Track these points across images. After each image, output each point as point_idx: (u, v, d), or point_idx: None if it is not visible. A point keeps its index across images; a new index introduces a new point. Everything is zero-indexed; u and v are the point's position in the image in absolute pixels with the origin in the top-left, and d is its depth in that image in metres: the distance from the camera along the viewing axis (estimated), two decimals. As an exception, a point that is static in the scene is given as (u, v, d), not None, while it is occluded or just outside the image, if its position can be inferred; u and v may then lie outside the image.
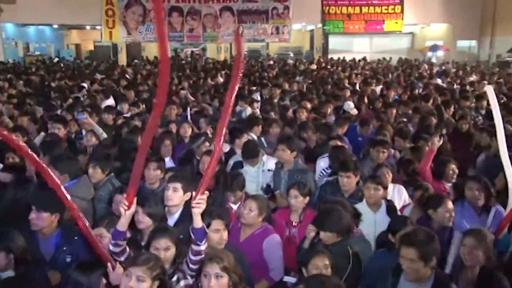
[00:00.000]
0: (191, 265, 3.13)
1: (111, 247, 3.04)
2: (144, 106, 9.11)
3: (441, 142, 5.29)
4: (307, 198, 4.36)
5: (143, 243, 3.55)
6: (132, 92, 11.01)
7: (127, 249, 3.09)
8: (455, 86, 13.68)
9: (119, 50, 30.01)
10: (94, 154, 5.12)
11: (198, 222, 3.02)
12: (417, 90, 12.40)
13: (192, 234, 3.05)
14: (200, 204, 2.97)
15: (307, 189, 4.39)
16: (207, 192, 3.02)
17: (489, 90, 4.30)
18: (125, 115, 8.66)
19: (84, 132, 6.83)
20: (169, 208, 3.98)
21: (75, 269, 3.13)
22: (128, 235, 3.11)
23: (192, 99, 10.76)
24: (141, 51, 32.92)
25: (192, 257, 3.10)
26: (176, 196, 3.96)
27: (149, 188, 4.78)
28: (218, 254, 2.99)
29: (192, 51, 31.05)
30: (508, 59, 25.04)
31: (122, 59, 28.93)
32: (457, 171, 5.26)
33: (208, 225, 3.46)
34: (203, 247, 3.06)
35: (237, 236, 4.00)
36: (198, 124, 7.47)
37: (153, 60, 27.63)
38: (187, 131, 6.85)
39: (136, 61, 27.52)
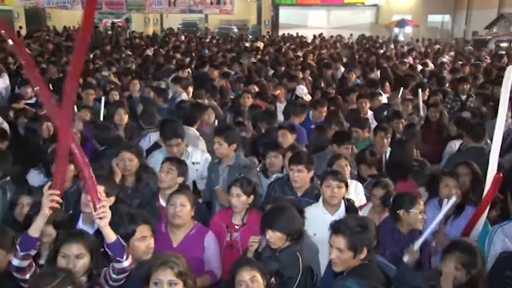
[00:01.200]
0: (111, 282, 3.12)
1: (16, 262, 2.95)
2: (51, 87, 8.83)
3: None
4: (251, 197, 4.42)
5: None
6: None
7: (34, 264, 3.03)
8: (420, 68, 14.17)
9: (15, 16, 28.70)
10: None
11: (110, 236, 3.01)
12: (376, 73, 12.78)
13: (108, 251, 3.04)
14: (104, 214, 2.96)
15: (251, 187, 4.44)
16: (105, 198, 3.02)
17: (509, 71, 4.38)
18: (28, 101, 8.40)
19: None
20: (87, 215, 3.89)
21: None
22: (38, 243, 3.04)
23: (115, 81, 10.60)
24: (46, 19, 31.77)
25: (114, 276, 3.08)
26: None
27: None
28: (170, 258, 3.00)
29: (113, 23, 30.37)
30: (486, 36, 26.07)
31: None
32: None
33: (133, 233, 3.46)
34: (126, 262, 3.04)
35: (167, 242, 4.01)
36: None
37: (62, 31, 26.76)
38: (123, 118, 6.78)
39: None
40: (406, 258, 3.81)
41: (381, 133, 6.31)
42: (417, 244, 3.85)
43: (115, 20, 31.76)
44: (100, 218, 2.96)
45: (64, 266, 3.07)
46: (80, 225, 3.96)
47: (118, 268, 3.05)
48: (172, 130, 5.56)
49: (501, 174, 4.26)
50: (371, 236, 3.37)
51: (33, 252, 2.98)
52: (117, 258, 3.01)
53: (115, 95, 8.55)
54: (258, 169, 5.70)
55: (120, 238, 3.05)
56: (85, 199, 3.79)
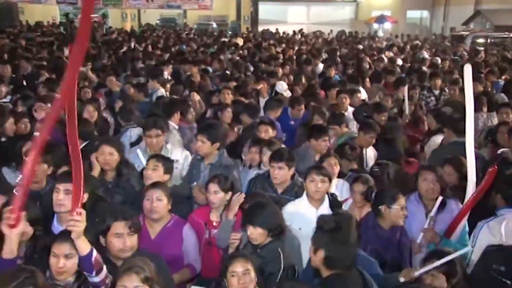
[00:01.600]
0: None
1: None
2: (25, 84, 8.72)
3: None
4: (229, 194, 4.40)
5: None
6: (9, 67, 10.49)
7: None
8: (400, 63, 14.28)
9: (-18, 10, 28.14)
10: None
11: (81, 248, 2.93)
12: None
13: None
14: (73, 227, 2.87)
15: (229, 184, 4.42)
16: (82, 210, 2.92)
17: (467, 69, 4.44)
18: (2, 100, 8.24)
19: None
20: (61, 215, 3.81)
21: None
22: (19, 261, 2.98)
23: (93, 77, 10.48)
24: (19, 14, 31.21)
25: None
26: (70, 200, 3.81)
27: (32, 189, 4.56)
28: (136, 263, 2.93)
29: (88, 18, 29.96)
30: (463, 32, 26.40)
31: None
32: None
33: (107, 228, 3.39)
34: (96, 278, 2.97)
35: (145, 235, 3.97)
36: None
37: (34, 25, 26.41)
38: (92, 115, 6.70)
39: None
40: (402, 280, 3.66)
41: (371, 133, 6.18)
42: (418, 272, 3.60)
43: (91, 16, 31.34)
44: (72, 230, 2.88)
45: (54, 265, 3.05)
46: (55, 224, 3.89)
47: (91, 282, 3.00)
48: (153, 121, 5.55)
49: (496, 167, 4.23)
50: (335, 243, 3.16)
51: None
52: (85, 273, 2.98)
53: (87, 93, 8.42)
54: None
55: (94, 251, 2.96)
56: (57, 198, 3.76)
